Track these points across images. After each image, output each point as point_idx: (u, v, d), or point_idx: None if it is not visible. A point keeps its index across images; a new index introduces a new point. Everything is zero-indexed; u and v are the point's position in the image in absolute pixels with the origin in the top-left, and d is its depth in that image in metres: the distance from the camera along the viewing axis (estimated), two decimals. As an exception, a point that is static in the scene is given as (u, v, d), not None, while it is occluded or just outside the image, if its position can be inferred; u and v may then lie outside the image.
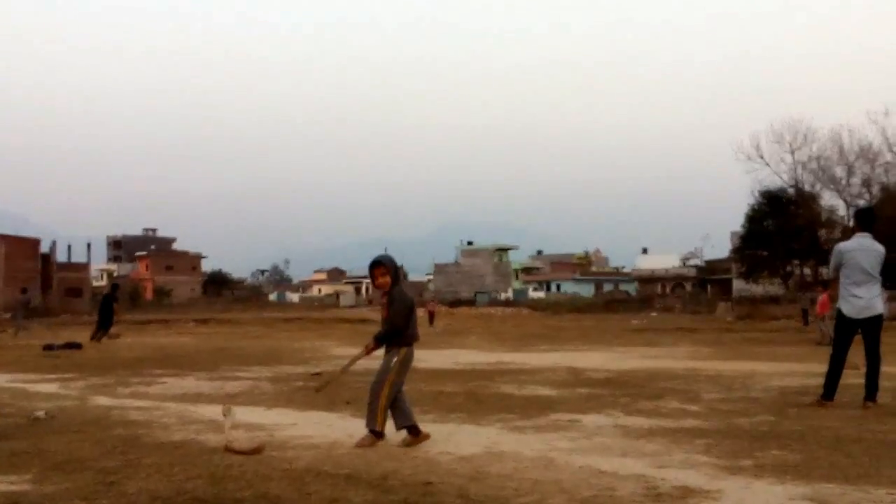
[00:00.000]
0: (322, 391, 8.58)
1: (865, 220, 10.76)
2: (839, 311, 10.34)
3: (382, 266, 7.55)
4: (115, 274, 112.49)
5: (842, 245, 10.40)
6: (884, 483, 5.85)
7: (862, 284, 10.02)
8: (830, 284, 10.90)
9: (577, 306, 75.59)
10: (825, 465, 6.57)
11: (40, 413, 9.68)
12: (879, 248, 10.18)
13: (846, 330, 10.21)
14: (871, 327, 10.05)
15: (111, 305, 28.00)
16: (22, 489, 5.73)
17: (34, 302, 64.73)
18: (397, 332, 7.49)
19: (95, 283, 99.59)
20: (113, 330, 28.33)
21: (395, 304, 7.50)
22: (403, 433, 7.47)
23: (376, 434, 7.35)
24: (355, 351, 7.25)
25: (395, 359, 7.43)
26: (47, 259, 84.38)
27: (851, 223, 11.68)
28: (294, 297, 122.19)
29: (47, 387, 13.35)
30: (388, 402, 7.37)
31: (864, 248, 10.07)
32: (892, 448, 7.23)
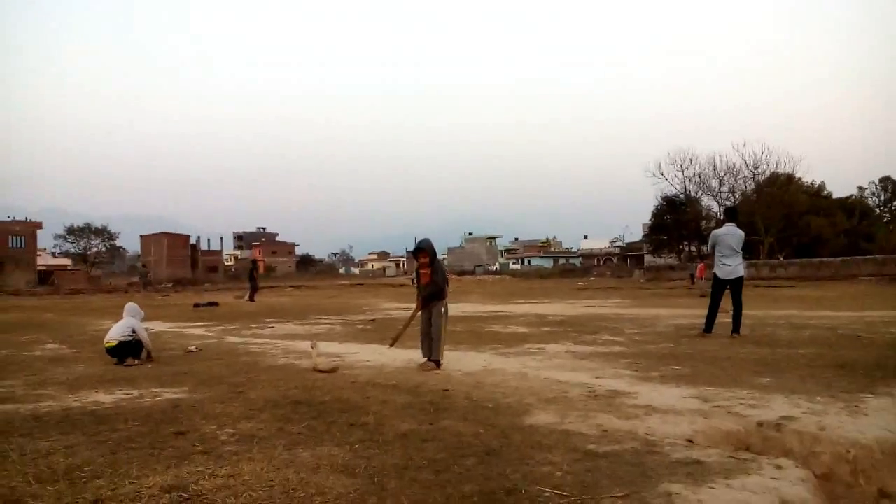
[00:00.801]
0: (395, 344, 8.25)
1: (732, 214, 10.89)
2: (715, 275, 10.38)
3: (423, 251, 7.47)
4: (240, 257, 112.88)
5: (716, 231, 10.48)
6: (745, 387, 5.84)
7: (729, 257, 10.11)
8: (707, 257, 10.96)
9: (541, 274, 75.36)
10: (706, 375, 6.56)
11: (192, 347, 9.75)
12: (741, 233, 10.32)
13: (720, 287, 10.25)
14: (736, 285, 10.12)
15: (254, 274, 28.88)
16: (181, 397, 5.78)
17: (155, 274, 64.51)
18: (442, 292, 7.37)
19: (226, 263, 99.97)
20: (237, 293, 28.40)
21: (438, 273, 7.42)
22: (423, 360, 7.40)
23: (437, 363, 7.20)
24: (398, 304, 7.18)
25: (443, 309, 7.31)
26: (194, 248, 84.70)
27: (722, 216, 11.69)
28: (356, 270, 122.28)
29: (196, 331, 13.41)
30: (446, 338, 7.35)
31: (731, 233, 10.16)
32: (750, 364, 7.20)
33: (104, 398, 5.79)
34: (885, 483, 4.13)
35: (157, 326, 14.79)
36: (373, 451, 3.89)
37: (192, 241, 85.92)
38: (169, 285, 56.76)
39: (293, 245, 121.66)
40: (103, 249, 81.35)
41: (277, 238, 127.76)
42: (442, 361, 7.27)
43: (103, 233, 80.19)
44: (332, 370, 7.04)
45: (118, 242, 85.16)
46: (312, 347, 7.58)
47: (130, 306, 8.62)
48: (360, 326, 13.83)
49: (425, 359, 7.34)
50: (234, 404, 5.34)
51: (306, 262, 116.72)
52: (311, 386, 6.14)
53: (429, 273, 7.46)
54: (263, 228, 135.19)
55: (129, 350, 8.11)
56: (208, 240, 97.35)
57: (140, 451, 3.97)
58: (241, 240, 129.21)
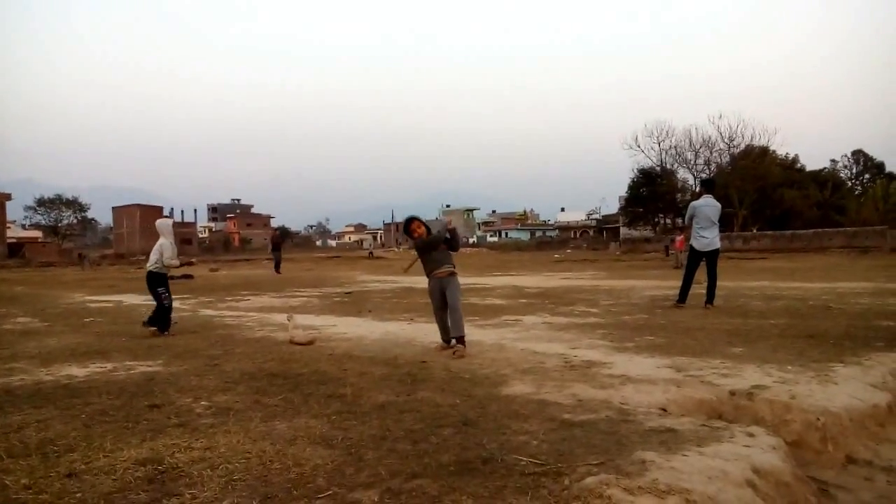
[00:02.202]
0: (407, 271, 8.36)
1: (709, 186, 10.93)
2: (691, 247, 10.44)
3: (417, 220, 6.81)
4: (214, 229, 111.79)
5: (695, 202, 10.49)
6: (717, 356, 5.92)
7: (707, 228, 10.16)
8: (685, 229, 11.10)
9: (518, 247, 75.62)
10: (680, 345, 6.64)
11: (168, 321, 9.66)
12: (718, 205, 10.37)
13: (696, 259, 10.33)
14: (712, 257, 10.21)
15: (280, 248, 28.26)
16: (156, 370, 5.74)
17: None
18: (457, 242, 6.72)
19: (200, 236, 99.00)
20: (213, 265, 27.97)
21: (445, 237, 6.66)
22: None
23: (461, 340, 6.40)
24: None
25: (458, 283, 6.68)
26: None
27: (699, 188, 11.75)
28: (332, 243, 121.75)
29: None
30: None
31: (709, 205, 10.19)
32: (723, 334, 7.30)
33: (77, 371, 5.73)
34: (852, 449, 4.23)
35: (131, 300, 14.64)
36: (350, 422, 3.89)
37: (166, 212, 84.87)
38: (142, 257, 56.14)
39: (269, 217, 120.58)
40: (75, 221, 79.96)
41: (253, 210, 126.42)
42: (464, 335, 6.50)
43: (74, 204, 78.77)
44: (309, 343, 7.01)
45: (90, 214, 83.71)
46: (289, 320, 7.54)
47: (161, 223, 8.85)
48: (338, 299, 13.79)
49: (446, 343, 6.63)
50: (209, 377, 5.31)
51: (283, 235, 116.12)
52: (288, 358, 6.13)
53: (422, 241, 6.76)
54: (238, 200, 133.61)
55: (156, 281, 8.44)
56: (182, 211, 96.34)
57: (114, 424, 3.94)
58: (216, 212, 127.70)
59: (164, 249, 8.39)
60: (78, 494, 2.86)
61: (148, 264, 8.55)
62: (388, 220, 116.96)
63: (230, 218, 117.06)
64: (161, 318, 8.31)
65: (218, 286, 19.20)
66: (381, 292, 15.72)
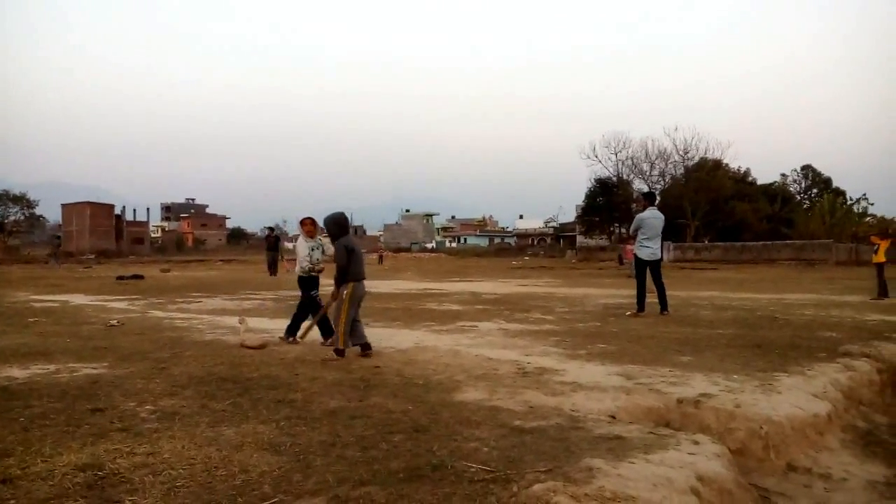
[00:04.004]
0: (304, 337, 7.28)
1: (652, 198, 11.35)
2: (636, 256, 10.70)
3: (309, 219, 6.79)
4: (167, 229, 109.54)
5: (641, 214, 10.78)
6: (666, 365, 6.02)
7: (652, 239, 10.47)
8: (630, 239, 11.40)
9: (477, 253, 75.91)
10: (631, 353, 6.73)
11: (114, 322, 9.42)
12: (661, 216, 10.74)
13: (643, 267, 10.57)
14: (655, 267, 10.47)
15: (277, 247, 26.58)
16: (101, 372, 5.59)
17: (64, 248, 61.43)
18: (341, 272, 6.45)
19: (153, 235, 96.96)
20: (164, 266, 27.26)
21: (335, 252, 6.51)
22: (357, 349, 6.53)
23: (339, 353, 6.34)
24: (331, 280, 6.69)
25: (344, 292, 6.43)
26: (119, 219, 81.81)
27: (643, 201, 12.05)
28: (290, 245, 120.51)
29: (119, 304, 12.97)
30: (347, 327, 6.39)
31: (654, 217, 10.52)
32: (672, 343, 7.42)
33: (18, 373, 5.54)
34: (793, 457, 4.34)
35: (78, 300, 14.25)
36: (299, 428, 3.84)
37: (117, 211, 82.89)
38: (91, 257, 54.77)
39: (224, 218, 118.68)
40: (22, 218, 77.43)
41: (207, 210, 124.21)
42: (343, 350, 6.40)
43: (22, 200, 76.18)
44: (261, 346, 6.91)
45: (38, 211, 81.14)
46: (241, 323, 7.41)
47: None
48: (293, 302, 13.59)
49: (357, 345, 6.57)
50: (156, 381, 5.19)
51: (238, 236, 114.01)
52: (238, 362, 6.03)
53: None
54: (193, 200, 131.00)
55: (308, 284, 7.58)
56: (134, 210, 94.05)
57: (54, 428, 3.82)
58: (169, 211, 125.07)
59: (297, 251, 7.59)
60: (12, 501, 2.75)
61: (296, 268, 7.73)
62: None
63: (184, 218, 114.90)
64: (323, 324, 7.32)
65: (169, 287, 18.81)
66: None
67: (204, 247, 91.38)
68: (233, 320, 9.00)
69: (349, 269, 6.49)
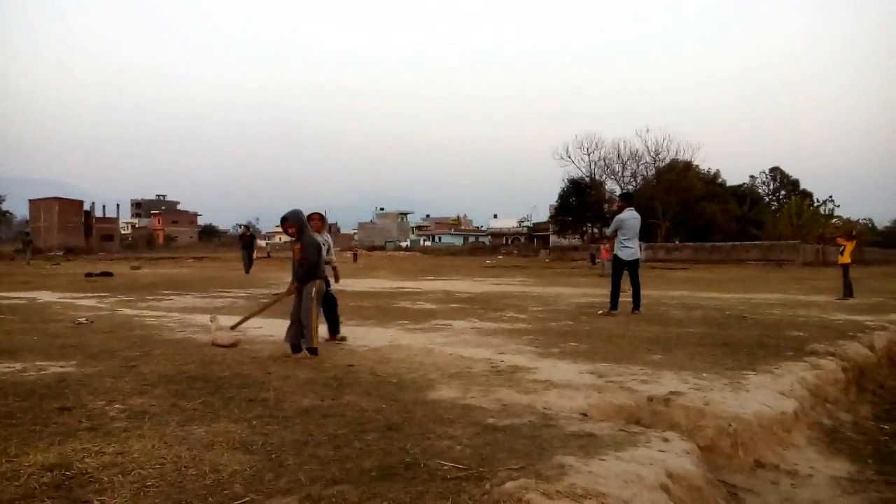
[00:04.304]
0: (237, 329, 7.16)
1: (630, 199, 11.34)
2: (616, 256, 10.77)
3: (288, 221, 6.41)
4: (137, 226, 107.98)
5: (620, 215, 10.82)
6: (637, 363, 6.08)
7: (631, 240, 10.55)
8: (609, 239, 11.49)
9: (451, 251, 75.95)
10: (602, 351, 6.79)
11: (82, 319, 9.26)
12: (639, 217, 10.80)
13: (620, 267, 10.66)
14: (634, 266, 10.56)
15: (252, 245, 25.55)
16: (68, 371, 5.49)
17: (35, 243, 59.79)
18: (313, 268, 6.38)
19: (123, 232, 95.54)
20: (134, 263, 26.75)
21: (310, 248, 6.38)
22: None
23: (313, 351, 6.26)
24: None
25: (313, 289, 6.34)
26: (88, 215, 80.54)
27: (620, 202, 12.13)
28: (262, 243, 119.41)
29: (88, 302, 12.77)
30: (317, 324, 6.37)
31: (632, 217, 10.59)
32: (643, 342, 7.50)
33: (-18, 372, 5.42)
34: (760, 454, 4.41)
35: (46, 297, 13.99)
36: (271, 427, 3.81)
37: (87, 207, 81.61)
38: (60, 253, 53.81)
39: (195, 214, 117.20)
40: (-13, 214, 75.96)
41: (179, 207, 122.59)
42: (318, 348, 6.34)
43: (-13, 196, 74.83)
44: (233, 345, 6.84)
45: (4, 206, 79.65)
46: (212, 321, 7.34)
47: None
48: (265, 300, 13.51)
49: (289, 344, 6.39)
50: (125, 379, 5.11)
51: (209, 233, 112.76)
52: (210, 361, 5.96)
53: (300, 248, 6.45)
54: (164, 196, 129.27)
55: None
56: (104, 206, 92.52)
57: (21, 427, 3.74)
58: (140, 207, 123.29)
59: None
60: (-24, 502, 2.70)
61: None
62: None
63: (155, 214, 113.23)
64: (331, 321, 7.30)
65: (139, 285, 18.56)
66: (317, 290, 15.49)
67: (175, 244, 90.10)
68: (204, 318, 8.90)
69: (318, 266, 6.47)
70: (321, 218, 7.44)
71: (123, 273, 25.27)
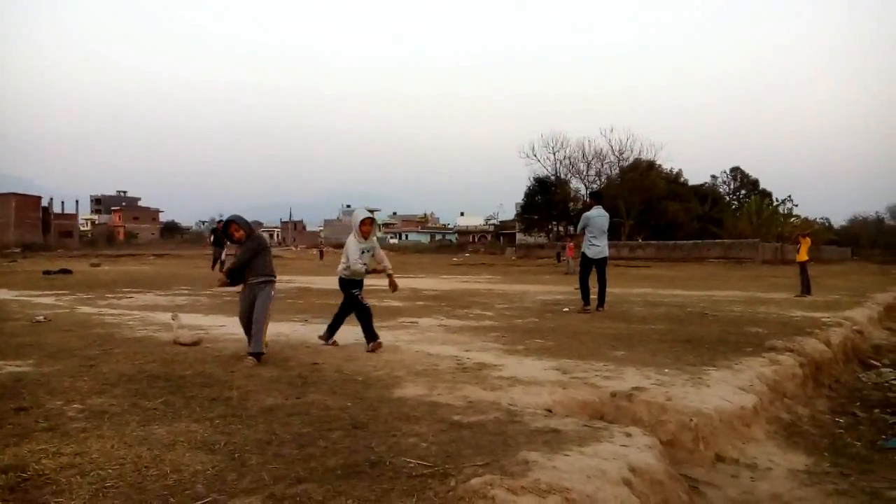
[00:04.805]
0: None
1: (598, 197, 11.44)
2: (584, 254, 10.86)
3: (235, 223, 6.13)
4: (97, 222, 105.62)
5: (588, 213, 10.89)
6: (601, 359, 6.14)
7: (599, 237, 10.64)
8: (576, 237, 11.51)
9: (418, 249, 76.01)
10: (567, 348, 6.84)
11: (40, 317, 9.03)
12: (607, 215, 10.88)
13: (588, 265, 10.74)
14: (601, 264, 10.67)
15: (221, 240, 24.98)
16: (25, 370, 5.35)
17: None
18: (242, 268, 6.08)
19: (82, 229, 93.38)
20: (94, 260, 26.11)
21: (245, 250, 6.09)
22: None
23: (257, 357, 5.81)
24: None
25: (271, 293, 6.15)
26: (46, 211, 78.52)
27: (589, 200, 12.21)
28: (229, 245, 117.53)
29: (45, 300, 12.46)
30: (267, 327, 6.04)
31: (600, 215, 10.68)
32: (607, 338, 7.58)
33: (-66, 372, 5.25)
34: (721, 448, 4.49)
35: (2, 295, 13.62)
36: (235, 426, 3.76)
37: (45, 203, 79.50)
38: (17, 250, 52.48)
39: (157, 211, 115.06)
40: (-61, 210, 73.59)
41: (140, 203, 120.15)
42: (264, 352, 5.96)
43: (-62, 191, 72.51)
44: (195, 343, 6.73)
45: (-43, 202, 77.27)
46: (173, 319, 7.21)
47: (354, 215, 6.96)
48: (228, 298, 13.30)
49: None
50: (84, 378, 4.99)
51: (171, 230, 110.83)
52: (171, 359, 5.86)
53: (241, 248, 6.18)
54: (124, 192, 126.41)
55: (351, 284, 6.75)
56: (62, 202, 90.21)
57: (-27, 429, 3.63)
58: (100, 203, 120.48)
59: (347, 251, 6.71)
60: (-74, 506, 2.61)
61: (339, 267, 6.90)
62: (286, 219, 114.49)
63: (115, 211, 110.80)
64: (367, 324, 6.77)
65: (98, 282, 18.18)
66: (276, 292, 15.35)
67: (136, 241, 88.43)
68: (165, 316, 8.75)
69: (269, 268, 6.23)
70: (372, 223, 6.86)
71: (83, 270, 24.72)
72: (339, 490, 2.79)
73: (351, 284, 6.84)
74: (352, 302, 6.84)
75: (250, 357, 5.81)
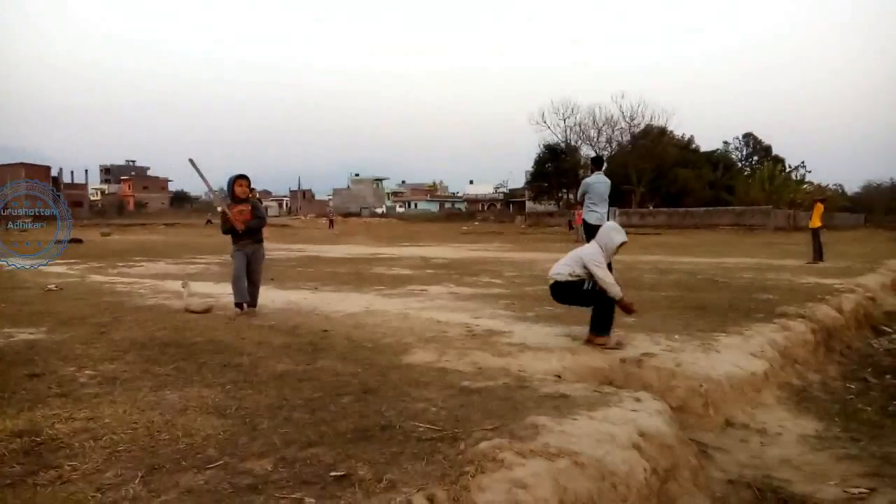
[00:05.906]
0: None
1: (599, 163, 11.19)
2: (585, 221, 10.72)
3: (246, 179, 6.85)
4: (107, 192, 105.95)
5: (587, 179, 10.68)
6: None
7: (599, 203, 10.43)
8: (579, 204, 11.37)
9: (427, 218, 75.77)
10: (576, 315, 6.80)
11: (52, 286, 9.12)
12: (608, 181, 10.63)
13: (592, 232, 10.60)
14: None
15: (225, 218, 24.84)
16: (39, 337, 5.41)
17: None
18: (262, 227, 7.00)
19: (92, 199, 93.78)
20: (105, 229, 26.37)
21: (259, 208, 7.03)
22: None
23: (240, 307, 6.73)
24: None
25: (264, 255, 7.17)
26: (56, 181, 78.89)
27: (590, 166, 12.00)
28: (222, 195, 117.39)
29: (57, 269, 12.56)
30: None
31: (600, 182, 10.44)
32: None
33: (-52, 340, 5.31)
34: (730, 413, 4.49)
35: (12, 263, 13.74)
36: (246, 391, 3.79)
37: (54, 173, 79.80)
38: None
39: (167, 180, 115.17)
40: (-50, 180, 74.13)
41: (149, 172, 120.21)
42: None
43: (-51, 162, 72.84)
44: (206, 311, 6.78)
45: (-33, 173, 77.70)
46: (184, 287, 7.26)
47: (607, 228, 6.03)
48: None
49: (238, 309, 6.73)
50: (96, 345, 5.04)
51: (181, 199, 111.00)
52: (182, 327, 5.90)
53: (249, 210, 6.82)
54: (133, 161, 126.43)
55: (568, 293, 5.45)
56: (72, 172, 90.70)
57: (-12, 394, 3.68)
58: (109, 173, 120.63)
59: (592, 268, 5.39)
60: (-58, 469, 2.65)
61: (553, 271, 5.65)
62: (295, 188, 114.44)
63: (124, 180, 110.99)
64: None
65: (109, 251, 18.32)
66: (286, 260, 15.41)
67: (146, 210, 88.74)
68: (176, 285, 8.80)
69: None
70: None
71: (93, 240, 24.89)
72: (350, 453, 2.81)
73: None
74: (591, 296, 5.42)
75: (250, 308, 6.75)
